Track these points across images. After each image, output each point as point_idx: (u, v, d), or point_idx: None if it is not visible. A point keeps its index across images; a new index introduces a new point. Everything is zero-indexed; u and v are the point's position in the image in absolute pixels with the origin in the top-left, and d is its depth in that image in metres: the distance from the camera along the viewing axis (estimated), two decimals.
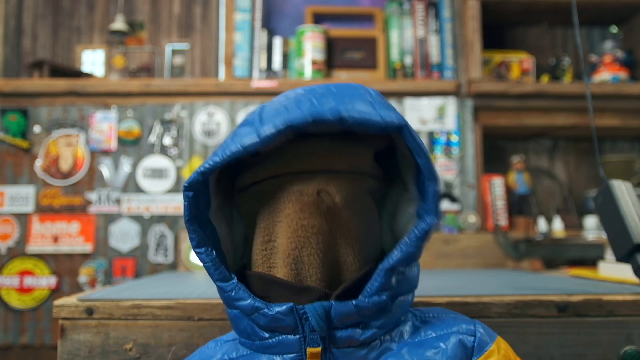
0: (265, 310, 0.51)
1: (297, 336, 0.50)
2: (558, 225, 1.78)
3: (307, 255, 0.52)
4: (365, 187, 0.55)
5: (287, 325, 0.50)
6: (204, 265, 0.54)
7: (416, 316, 0.57)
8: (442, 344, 0.52)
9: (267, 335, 0.52)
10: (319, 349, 0.50)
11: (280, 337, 0.51)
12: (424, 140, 1.77)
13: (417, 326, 0.55)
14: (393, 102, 1.78)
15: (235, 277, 0.54)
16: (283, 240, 0.52)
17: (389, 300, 0.52)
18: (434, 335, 0.54)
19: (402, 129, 0.50)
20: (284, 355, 0.51)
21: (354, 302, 0.50)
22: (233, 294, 0.52)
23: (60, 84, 1.75)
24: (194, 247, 0.54)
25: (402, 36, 1.84)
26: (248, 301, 0.52)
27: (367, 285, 0.51)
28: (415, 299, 0.73)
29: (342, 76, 1.82)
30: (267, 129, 0.48)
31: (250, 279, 0.54)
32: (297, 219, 0.52)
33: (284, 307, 0.50)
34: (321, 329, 0.49)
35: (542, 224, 1.76)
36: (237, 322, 0.54)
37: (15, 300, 1.67)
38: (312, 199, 0.51)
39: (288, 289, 0.52)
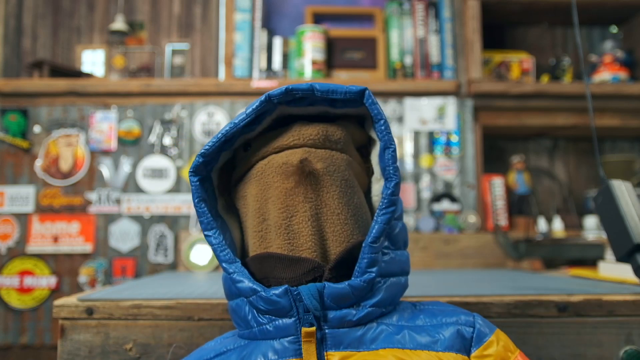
0: (262, 292, 0.52)
1: (293, 319, 0.52)
2: (558, 225, 1.78)
3: (297, 223, 0.55)
4: (344, 162, 0.59)
5: (282, 307, 0.52)
6: (211, 248, 0.57)
7: (415, 306, 0.58)
8: (440, 334, 0.53)
9: (265, 320, 0.53)
10: (313, 328, 0.51)
11: (276, 322, 0.52)
12: (424, 140, 1.77)
13: (416, 313, 0.56)
14: (393, 102, 1.78)
15: (240, 262, 0.56)
16: (274, 213, 0.56)
17: (378, 276, 0.54)
18: (433, 323, 0.54)
19: (363, 93, 0.56)
20: (281, 340, 0.52)
21: (347, 282, 0.52)
22: (235, 275, 0.55)
23: (60, 84, 1.75)
24: (203, 229, 0.57)
25: (402, 36, 1.84)
26: (247, 283, 0.54)
27: (357, 265, 0.53)
28: (416, 299, 0.73)
29: (342, 76, 1.82)
30: (252, 104, 0.56)
31: (249, 264, 0.57)
32: (284, 188, 0.56)
33: (279, 290, 0.52)
34: (314, 308, 0.51)
35: (542, 224, 1.76)
36: (238, 310, 0.56)
37: (15, 300, 1.67)
38: (295, 167, 0.55)
39: (282, 261, 0.54)
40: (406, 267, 0.60)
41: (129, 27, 1.91)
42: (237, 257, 0.58)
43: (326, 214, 0.56)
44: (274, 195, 0.56)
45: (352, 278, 0.53)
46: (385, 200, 0.55)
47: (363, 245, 0.54)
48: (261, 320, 0.53)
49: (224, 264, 0.56)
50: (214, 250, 0.57)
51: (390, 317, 0.55)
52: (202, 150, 0.56)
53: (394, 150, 0.56)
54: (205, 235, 0.57)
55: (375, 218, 0.55)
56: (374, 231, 0.54)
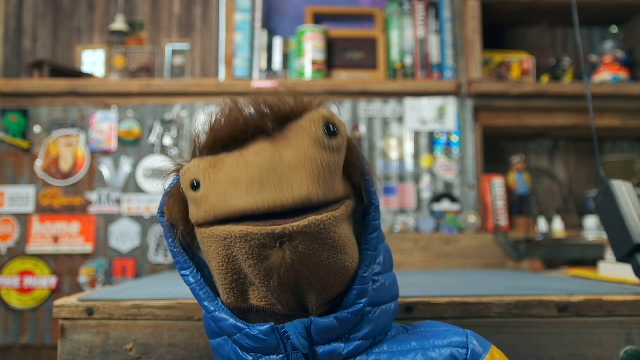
0: (247, 330, 0.50)
1: (280, 356, 0.50)
2: (558, 225, 1.78)
3: (276, 282, 0.49)
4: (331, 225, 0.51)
5: (268, 345, 0.50)
6: (189, 287, 0.55)
7: (407, 330, 0.57)
8: (432, 357, 0.52)
9: (250, 357, 0.51)
10: None
11: (263, 359, 0.51)
12: (424, 140, 1.77)
13: (407, 338, 0.55)
14: (393, 102, 1.78)
15: (220, 299, 0.54)
16: (250, 274, 0.50)
17: (367, 306, 0.52)
18: (425, 346, 0.53)
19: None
20: None
21: (333, 315, 0.50)
22: (217, 313, 0.53)
23: (60, 84, 1.75)
24: (179, 270, 0.56)
25: (402, 36, 1.84)
26: (230, 321, 0.52)
27: (346, 296, 0.51)
28: (416, 299, 0.73)
29: (342, 76, 1.82)
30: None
31: (231, 310, 0.54)
32: (259, 268, 0.48)
33: (265, 327, 0.50)
34: (303, 346, 0.49)
35: (542, 224, 1.76)
36: (220, 349, 0.54)
37: (15, 300, 1.67)
38: (272, 261, 0.48)
39: (271, 316, 0.51)
40: (395, 291, 0.57)
41: (129, 27, 1.91)
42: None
43: (310, 270, 0.49)
44: (247, 265, 0.48)
45: (340, 310, 0.51)
46: (369, 227, 0.53)
47: (353, 280, 0.51)
48: (246, 358, 0.52)
49: (204, 303, 0.54)
50: (192, 290, 0.55)
51: (381, 346, 0.53)
52: (167, 188, 0.54)
53: (371, 179, 0.54)
54: (182, 275, 0.55)
55: (362, 246, 0.53)
56: (365, 261, 0.52)
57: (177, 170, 0.54)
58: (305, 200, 0.45)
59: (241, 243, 0.47)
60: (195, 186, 0.49)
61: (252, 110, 0.50)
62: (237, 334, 0.51)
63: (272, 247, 0.46)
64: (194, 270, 0.55)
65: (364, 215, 0.54)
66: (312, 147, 0.48)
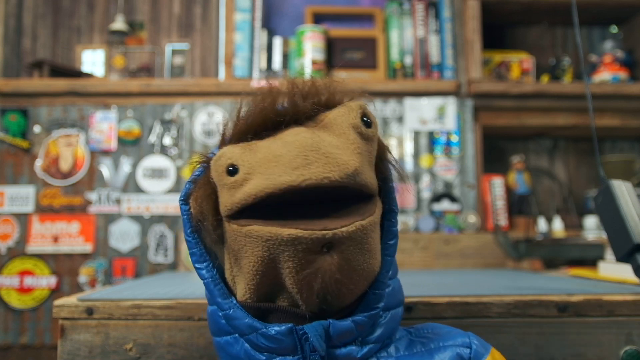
0: (264, 330, 0.49)
1: (296, 357, 0.50)
2: (558, 225, 1.78)
3: (306, 281, 0.47)
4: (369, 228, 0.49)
5: (285, 346, 0.49)
6: (203, 282, 0.53)
7: (411, 333, 0.58)
8: (438, 358, 0.53)
9: (263, 357, 0.50)
10: None
11: (277, 359, 0.50)
12: (424, 140, 1.77)
13: (412, 340, 0.56)
14: (393, 102, 1.78)
15: (234, 297, 0.52)
16: (284, 275, 0.48)
17: (381, 311, 0.52)
18: (430, 348, 0.54)
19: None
20: None
21: (351, 319, 0.50)
22: (231, 312, 0.51)
23: (60, 84, 1.75)
24: (194, 262, 0.54)
25: (402, 36, 1.84)
26: (246, 320, 0.50)
27: (363, 301, 0.51)
28: (416, 299, 0.73)
29: (342, 76, 1.82)
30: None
31: (242, 305, 0.52)
32: (297, 266, 0.46)
33: (283, 328, 0.49)
34: (322, 348, 0.49)
35: (542, 224, 1.76)
36: (229, 348, 0.52)
37: (15, 300, 1.67)
38: (315, 259, 0.46)
39: (291, 317, 0.50)
40: (401, 296, 0.58)
41: (129, 27, 1.91)
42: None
43: (348, 275, 0.48)
44: (286, 267, 0.46)
45: (357, 313, 0.51)
46: (389, 233, 0.54)
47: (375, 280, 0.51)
48: (258, 358, 0.51)
49: (218, 299, 0.52)
50: (206, 285, 0.53)
51: (388, 349, 0.54)
52: (193, 176, 0.52)
53: (393, 185, 0.55)
54: (197, 268, 0.53)
55: (383, 252, 0.53)
56: (384, 267, 0.52)
57: (206, 161, 0.52)
58: (353, 176, 0.44)
59: (286, 247, 0.44)
60: (232, 171, 0.47)
61: (286, 98, 0.50)
62: (253, 334, 0.50)
63: (318, 252, 0.44)
64: (210, 265, 0.53)
65: (383, 221, 0.54)
66: (352, 131, 0.48)
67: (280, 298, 0.50)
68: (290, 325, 0.49)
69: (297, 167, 0.43)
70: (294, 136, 0.46)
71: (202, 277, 0.53)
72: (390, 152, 0.55)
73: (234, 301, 0.52)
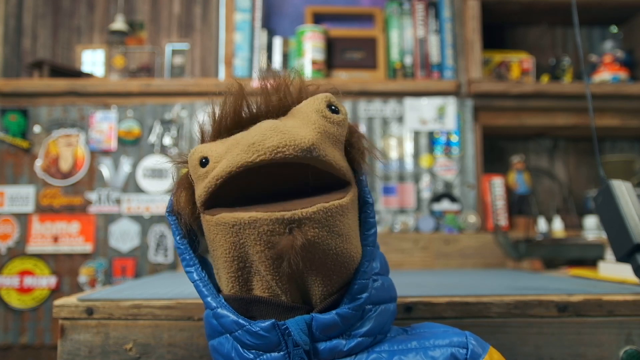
0: (248, 326, 0.50)
1: (281, 353, 0.50)
2: (558, 225, 1.78)
3: (283, 270, 0.49)
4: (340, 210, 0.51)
5: (270, 342, 0.50)
6: (193, 284, 0.55)
7: (406, 331, 0.58)
8: (433, 357, 0.52)
9: (251, 355, 0.51)
10: None
11: (264, 357, 0.51)
12: (424, 140, 1.77)
13: (407, 338, 0.55)
14: (393, 102, 1.78)
15: (222, 296, 0.54)
16: (257, 262, 0.49)
17: (368, 304, 0.52)
18: (425, 345, 0.53)
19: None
20: None
21: (334, 311, 0.50)
22: (219, 310, 0.53)
23: (60, 84, 1.75)
24: (185, 267, 0.56)
25: (402, 36, 1.84)
26: (231, 317, 0.52)
27: (348, 292, 0.51)
28: (416, 299, 0.73)
29: (342, 76, 1.82)
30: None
31: (228, 301, 0.54)
32: (268, 255, 0.48)
33: (266, 323, 0.50)
34: (304, 343, 0.49)
35: (542, 224, 1.76)
36: (221, 348, 0.54)
37: (15, 300, 1.67)
38: (283, 245, 0.47)
39: (274, 308, 0.51)
40: (393, 293, 0.58)
41: (129, 27, 1.91)
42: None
43: (319, 258, 0.49)
44: (255, 252, 0.48)
45: (342, 303, 0.51)
46: (367, 224, 0.55)
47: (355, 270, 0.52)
48: (247, 356, 0.51)
49: (207, 299, 0.54)
50: (196, 286, 0.55)
51: (382, 345, 0.53)
52: (175, 182, 0.56)
53: (364, 176, 0.56)
54: (187, 272, 0.56)
55: (362, 243, 0.54)
56: (365, 257, 0.53)
57: (186, 162, 0.56)
58: (309, 150, 0.45)
59: (250, 230, 0.46)
60: (203, 162, 0.50)
61: (257, 98, 0.53)
62: (239, 331, 0.51)
63: (282, 233, 0.45)
64: (199, 268, 0.56)
65: (360, 213, 0.56)
66: (315, 114, 0.50)
67: (262, 288, 0.51)
68: (272, 320, 0.50)
69: (253, 144, 0.45)
70: (259, 124, 0.49)
71: (192, 279, 0.56)
72: (363, 138, 0.56)
73: (222, 300, 0.54)
